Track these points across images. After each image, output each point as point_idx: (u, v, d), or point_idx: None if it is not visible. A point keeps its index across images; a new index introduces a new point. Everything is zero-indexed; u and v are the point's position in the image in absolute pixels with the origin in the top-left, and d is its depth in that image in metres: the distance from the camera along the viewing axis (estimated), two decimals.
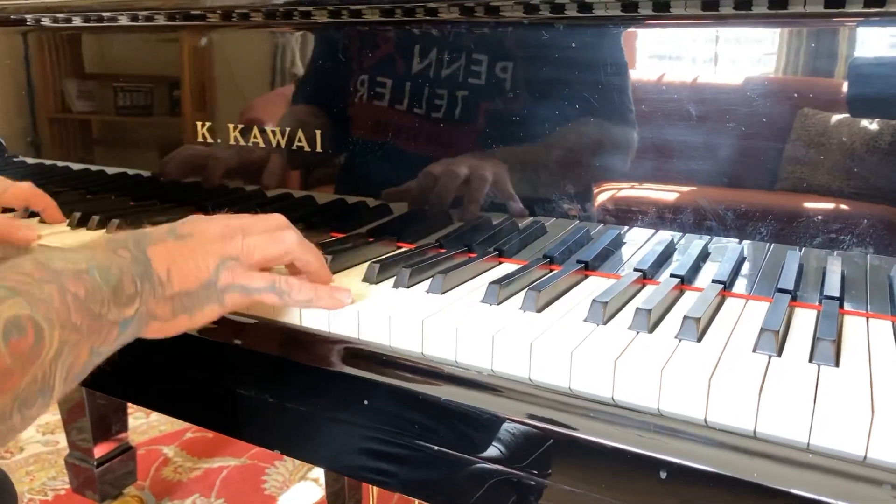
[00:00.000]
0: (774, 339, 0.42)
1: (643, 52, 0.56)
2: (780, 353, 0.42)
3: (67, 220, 0.75)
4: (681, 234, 0.56)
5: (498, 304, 0.50)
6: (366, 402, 0.47)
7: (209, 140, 0.75)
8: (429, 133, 0.64)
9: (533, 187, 0.61)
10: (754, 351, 0.42)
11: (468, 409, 0.43)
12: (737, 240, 0.54)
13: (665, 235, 0.57)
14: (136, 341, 0.46)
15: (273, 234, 0.50)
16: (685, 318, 0.44)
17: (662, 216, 0.57)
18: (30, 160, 0.92)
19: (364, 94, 0.66)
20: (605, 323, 0.47)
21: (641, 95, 0.55)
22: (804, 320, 0.48)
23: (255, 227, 0.50)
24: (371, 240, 0.65)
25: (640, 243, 0.58)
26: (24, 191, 0.73)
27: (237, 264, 0.48)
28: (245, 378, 0.53)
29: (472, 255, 0.61)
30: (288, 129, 0.69)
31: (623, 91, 0.56)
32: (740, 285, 0.54)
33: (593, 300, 0.47)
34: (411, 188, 0.66)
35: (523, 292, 0.50)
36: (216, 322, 0.49)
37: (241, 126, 0.73)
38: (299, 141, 0.69)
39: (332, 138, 0.68)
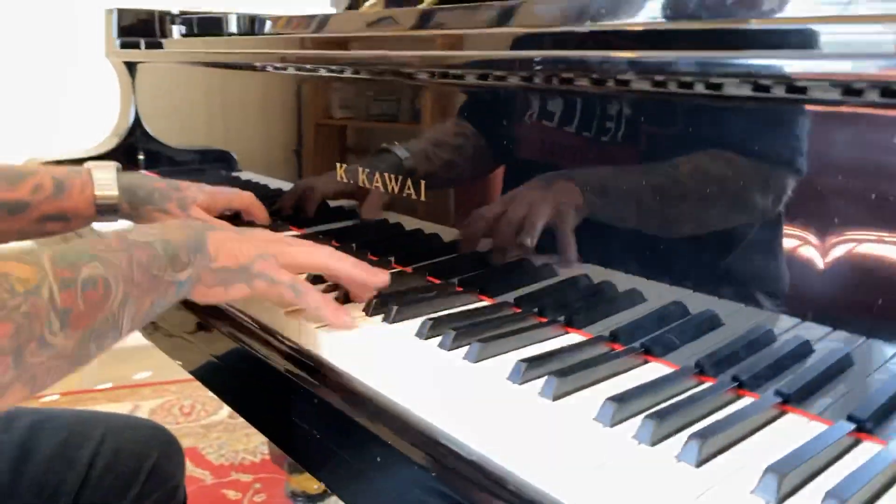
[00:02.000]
0: None
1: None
2: None
3: None
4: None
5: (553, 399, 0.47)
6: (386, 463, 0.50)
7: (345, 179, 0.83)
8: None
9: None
10: None
11: None
12: None
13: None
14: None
15: (309, 248, 0.63)
16: None
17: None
18: (254, 177, 1.06)
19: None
20: None
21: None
22: None
23: (299, 244, 0.63)
24: (459, 289, 0.67)
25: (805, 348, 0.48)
26: (247, 199, 0.88)
27: (272, 259, 0.60)
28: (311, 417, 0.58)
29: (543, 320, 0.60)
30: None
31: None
32: None
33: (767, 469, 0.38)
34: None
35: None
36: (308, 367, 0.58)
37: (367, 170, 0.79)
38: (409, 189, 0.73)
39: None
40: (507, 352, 0.54)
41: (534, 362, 0.50)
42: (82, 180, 0.78)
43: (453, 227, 0.71)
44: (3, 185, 0.74)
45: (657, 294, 0.56)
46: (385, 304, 0.61)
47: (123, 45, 1.24)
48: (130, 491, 0.84)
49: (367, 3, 1.32)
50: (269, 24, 1.14)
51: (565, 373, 0.48)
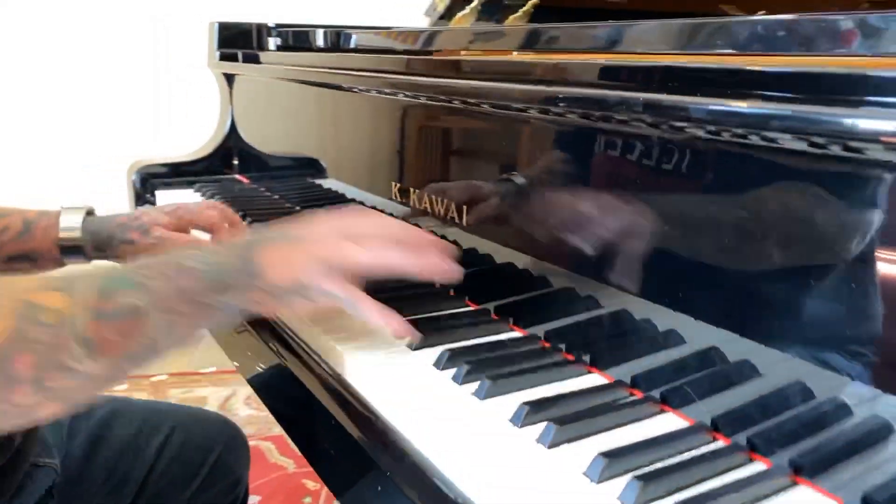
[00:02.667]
0: None
1: None
2: None
3: None
4: None
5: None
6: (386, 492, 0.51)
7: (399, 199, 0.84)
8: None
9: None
10: None
11: None
12: None
13: None
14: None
15: (376, 252, 0.56)
16: None
17: None
18: (338, 185, 1.07)
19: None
20: None
21: None
22: None
23: (365, 232, 0.58)
24: (495, 317, 0.67)
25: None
26: (214, 216, 0.86)
27: (328, 269, 0.55)
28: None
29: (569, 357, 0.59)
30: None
31: None
32: None
33: None
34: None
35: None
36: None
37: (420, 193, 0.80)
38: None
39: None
40: (517, 391, 0.53)
41: (538, 406, 0.50)
42: (48, 222, 0.80)
43: (505, 244, 0.69)
44: None
45: (696, 335, 0.53)
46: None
47: (223, 57, 1.32)
48: (193, 482, 0.90)
49: (459, 14, 1.33)
50: (360, 37, 1.17)
51: (566, 420, 0.47)
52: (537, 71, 0.63)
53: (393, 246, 0.57)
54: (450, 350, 0.58)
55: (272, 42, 1.34)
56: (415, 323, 0.63)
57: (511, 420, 0.49)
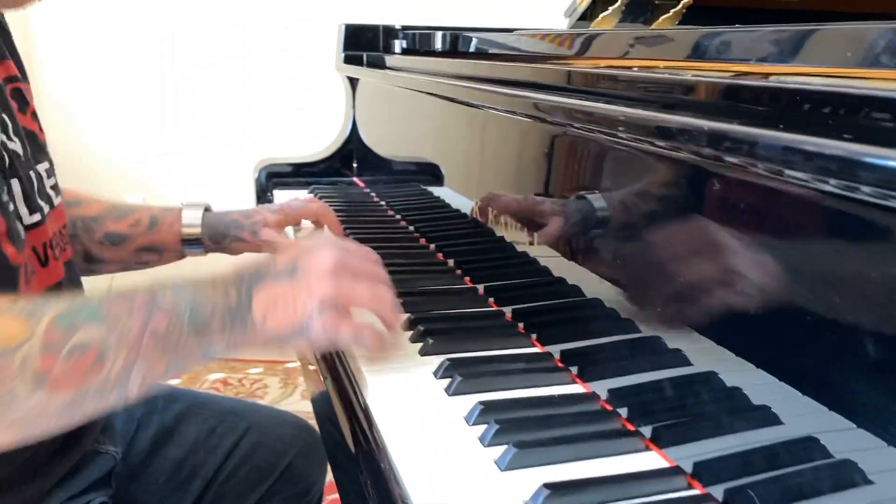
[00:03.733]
0: None
1: None
2: None
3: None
4: None
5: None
6: None
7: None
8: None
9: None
10: None
11: None
12: None
13: None
14: None
15: (376, 292, 0.56)
16: None
17: None
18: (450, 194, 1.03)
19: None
20: None
21: None
22: None
23: (362, 272, 0.56)
24: (558, 363, 0.58)
25: None
26: (318, 209, 0.94)
27: (332, 308, 0.52)
28: None
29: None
30: None
31: None
32: None
33: None
34: None
35: None
36: None
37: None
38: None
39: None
40: (545, 465, 0.45)
41: (562, 491, 0.41)
42: (173, 217, 0.87)
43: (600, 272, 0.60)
44: (112, 218, 0.86)
45: (796, 415, 0.42)
46: (453, 370, 0.55)
47: (348, 59, 1.31)
48: (261, 485, 0.89)
49: (601, 15, 1.24)
50: (490, 38, 1.12)
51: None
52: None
53: (382, 283, 0.57)
54: (483, 404, 0.50)
55: (398, 45, 1.32)
56: (456, 362, 0.57)
57: (529, 501, 0.41)
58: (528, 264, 0.73)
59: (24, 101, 0.70)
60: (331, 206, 1.09)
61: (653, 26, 1.07)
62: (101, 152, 2.34)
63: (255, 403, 1.01)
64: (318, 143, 1.38)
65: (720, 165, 0.45)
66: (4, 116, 0.64)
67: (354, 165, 1.36)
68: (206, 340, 0.50)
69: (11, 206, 0.60)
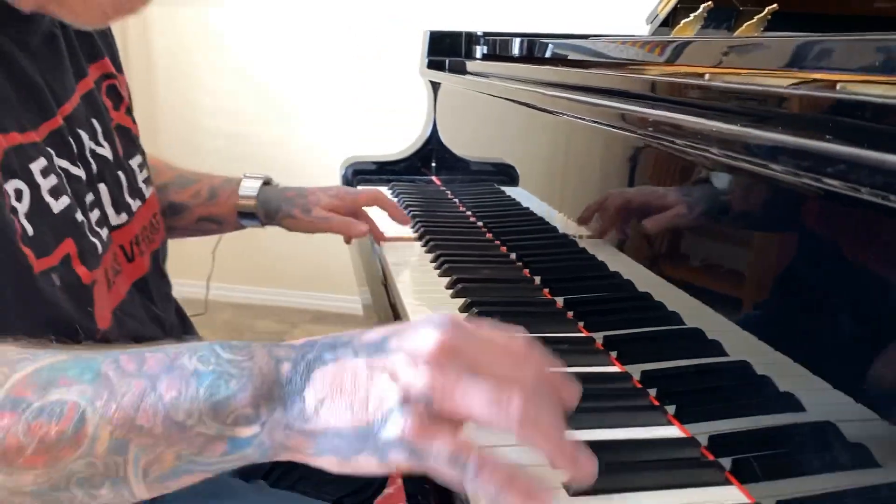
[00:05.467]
0: None
1: None
2: None
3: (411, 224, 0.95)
4: None
5: None
6: None
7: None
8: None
9: None
10: None
11: None
12: None
13: None
14: None
15: (501, 388, 0.35)
16: None
17: None
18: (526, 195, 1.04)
19: None
20: None
21: None
22: None
23: (488, 362, 0.37)
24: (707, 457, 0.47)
25: None
26: (374, 193, 0.94)
27: (420, 411, 0.35)
28: None
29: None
30: None
31: None
32: None
33: None
34: None
35: None
36: None
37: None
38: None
39: None
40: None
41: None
42: (231, 189, 0.89)
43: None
44: (176, 188, 0.88)
45: (820, 404, 0.42)
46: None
47: (431, 64, 1.39)
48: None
49: (683, 21, 1.26)
50: (569, 45, 1.15)
51: None
52: None
53: (527, 394, 0.35)
54: None
55: (478, 50, 1.38)
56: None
57: None
58: (585, 260, 0.77)
59: (118, 98, 0.72)
60: (406, 200, 1.17)
61: (736, 33, 1.08)
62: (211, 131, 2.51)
63: None
64: (401, 143, 1.47)
65: (816, 186, 0.41)
66: (94, 121, 0.65)
67: (433, 165, 1.43)
68: (228, 426, 0.36)
69: (96, 215, 0.61)
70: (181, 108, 2.50)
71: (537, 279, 0.81)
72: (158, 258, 0.75)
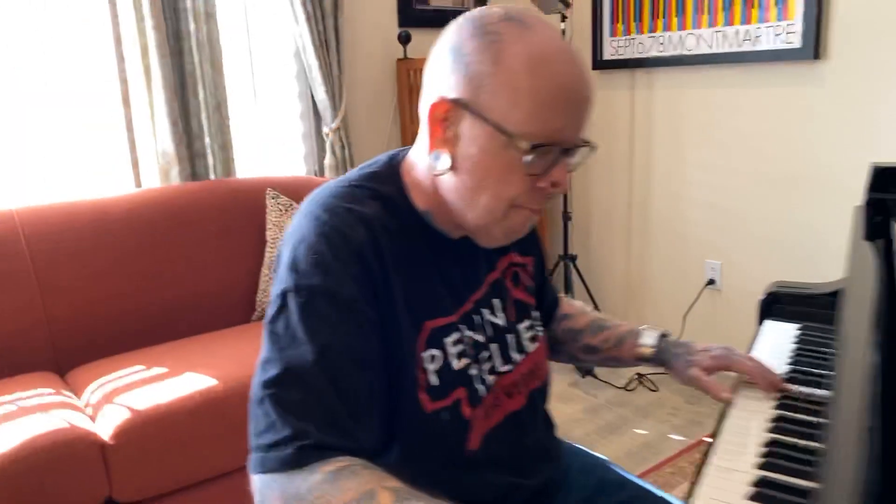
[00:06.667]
0: None
1: None
2: None
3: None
4: None
5: None
6: None
7: None
8: None
9: None
10: None
11: None
12: None
13: None
14: None
15: None
16: None
17: None
18: None
19: None
20: None
21: None
22: None
23: None
24: None
25: None
26: (751, 367, 0.99)
27: None
28: None
29: None
30: None
31: None
32: None
33: None
34: None
35: None
36: None
37: None
38: None
39: None
40: None
41: None
42: (634, 339, 1.08)
43: None
44: (590, 333, 1.11)
45: None
46: None
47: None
48: None
49: None
50: None
51: None
52: None
53: None
54: None
55: None
56: None
57: None
58: None
59: (517, 280, 0.95)
60: (809, 356, 1.10)
61: None
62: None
63: None
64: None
65: None
66: (494, 301, 0.89)
67: None
68: None
69: (486, 367, 0.84)
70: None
71: None
72: (535, 397, 0.95)
